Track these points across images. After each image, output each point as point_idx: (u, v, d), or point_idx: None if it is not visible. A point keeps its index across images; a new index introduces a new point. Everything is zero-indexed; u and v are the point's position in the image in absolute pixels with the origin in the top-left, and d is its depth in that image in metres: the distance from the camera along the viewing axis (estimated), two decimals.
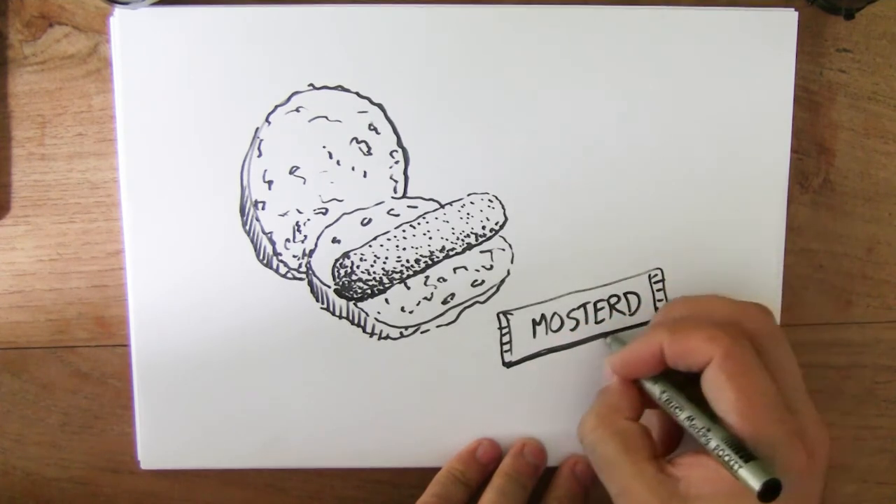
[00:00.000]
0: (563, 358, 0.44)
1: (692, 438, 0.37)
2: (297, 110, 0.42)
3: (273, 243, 0.42)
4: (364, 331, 0.43)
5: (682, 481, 0.36)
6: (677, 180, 0.43)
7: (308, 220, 0.42)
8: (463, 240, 0.43)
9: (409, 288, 0.43)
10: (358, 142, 0.42)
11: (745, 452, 0.34)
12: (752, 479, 0.33)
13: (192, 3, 0.41)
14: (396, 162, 0.42)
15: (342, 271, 0.43)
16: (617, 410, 0.39)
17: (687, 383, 0.38)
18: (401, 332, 0.43)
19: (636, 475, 0.36)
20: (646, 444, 0.38)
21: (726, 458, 0.34)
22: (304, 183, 0.42)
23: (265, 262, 0.43)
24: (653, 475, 0.36)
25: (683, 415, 0.37)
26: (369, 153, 0.42)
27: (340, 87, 0.42)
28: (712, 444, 0.35)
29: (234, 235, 0.42)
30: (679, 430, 0.40)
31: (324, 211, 0.43)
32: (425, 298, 0.43)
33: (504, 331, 0.43)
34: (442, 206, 0.43)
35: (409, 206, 0.43)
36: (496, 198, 0.43)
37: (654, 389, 0.39)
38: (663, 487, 0.36)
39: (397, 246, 0.43)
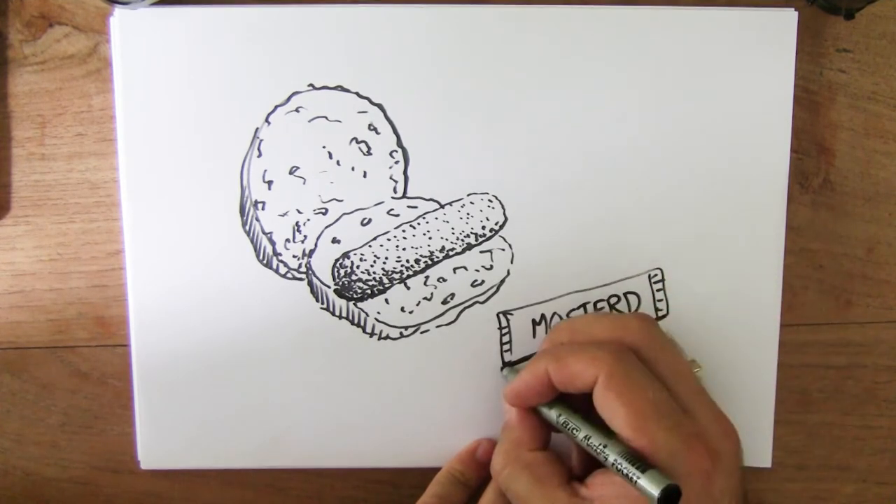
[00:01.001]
0: None
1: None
2: (297, 110, 0.42)
3: (273, 243, 0.42)
4: (364, 331, 0.43)
5: (595, 502, 0.36)
6: (677, 180, 0.43)
7: (308, 220, 0.42)
8: (463, 240, 0.43)
9: (408, 288, 0.43)
10: (358, 142, 0.42)
11: (642, 463, 0.34)
12: (651, 488, 0.33)
13: (192, 3, 0.41)
14: (396, 162, 0.42)
15: (342, 271, 0.43)
16: (521, 444, 0.39)
17: (586, 403, 0.38)
18: (401, 333, 0.43)
19: None
20: (556, 472, 0.38)
21: (624, 472, 0.34)
22: (304, 183, 0.42)
23: (265, 262, 0.43)
24: (566, 501, 0.36)
25: (580, 435, 0.37)
26: (369, 153, 0.42)
27: (340, 87, 0.42)
28: (610, 459, 0.35)
29: (234, 235, 0.42)
30: None
31: (324, 211, 0.43)
32: (425, 298, 0.43)
33: (504, 331, 0.43)
34: (442, 206, 0.43)
35: (408, 206, 0.43)
36: (496, 198, 0.43)
37: (551, 414, 0.39)
38: None
39: (397, 246, 0.43)
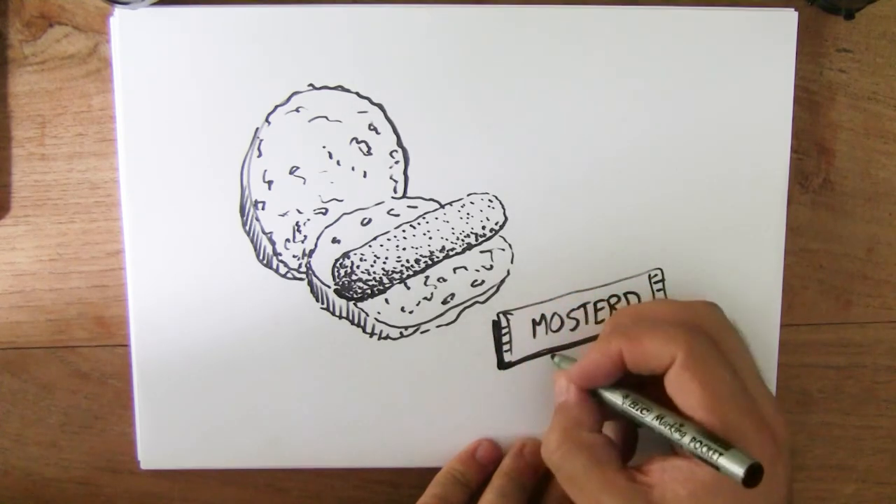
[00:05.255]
0: None
1: (651, 446, 0.36)
2: (297, 110, 0.42)
3: (273, 243, 0.42)
4: (364, 331, 0.43)
5: (655, 488, 0.35)
6: (677, 180, 0.43)
7: (308, 220, 0.43)
8: (463, 240, 0.43)
9: (409, 288, 0.43)
10: (358, 142, 0.42)
11: (724, 441, 0.34)
12: (735, 466, 0.33)
13: (192, 3, 0.41)
14: (396, 162, 0.42)
15: (342, 271, 0.43)
16: (580, 424, 0.38)
17: (641, 389, 0.38)
18: (401, 332, 0.43)
19: (607, 488, 0.36)
20: (614, 456, 0.37)
21: (705, 450, 0.34)
22: (304, 183, 0.42)
23: (265, 262, 0.43)
24: (625, 485, 0.35)
25: (651, 415, 0.37)
26: (369, 153, 0.42)
27: (340, 87, 0.42)
28: (687, 438, 0.35)
29: (234, 235, 0.42)
30: (633, 440, 0.40)
31: (324, 211, 0.43)
32: (425, 298, 0.43)
33: (504, 331, 0.43)
34: (442, 206, 0.43)
35: (409, 206, 0.43)
36: (496, 198, 0.43)
37: (616, 397, 0.39)
38: (637, 497, 0.35)
39: (397, 246, 0.43)
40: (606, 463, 0.37)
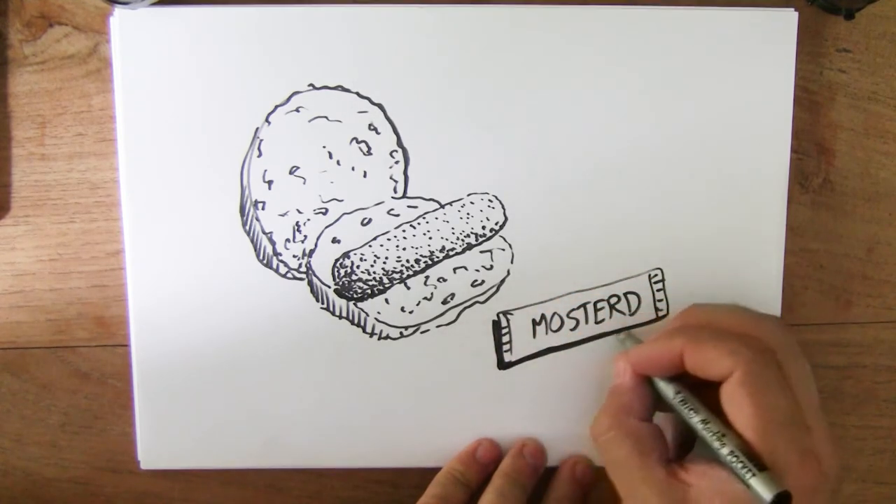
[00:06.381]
0: (564, 358, 0.44)
1: (704, 447, 0.36)
2: (297, 110, 0.42)
3: (273, 243, 0.42)
4: (364, 331, 0.43)
5: (692, 489, 0.35)
6: (677, 180, 0.43)
7: (308, 220, 0.43)
8: (463, 240, 0.43)
9: (409, 288, 0.43)
10: (358, 142, 0.42)
11: (759, 462, 0.34)
12: (764, 490, 0.33)
13: (192, 3, 0.41)
14: (396, 162, 0.42)
15: (342, 271, 0.43)
16: (630, 411, 0.39)
17: (700, 388, 0.38)
18: (401, 332, 0.43)
19: (646, 479, 0.36)
20: (658, 447, 0.37)
21: (740, 466, 0.34)
22: (304, 183, 0.42)
23: (265, 262, 0.43)
24: (663, 479, 0.36)
25: (697, 417, 0.37)
26: (369, 153, 0.42)
27: (340, 87, 0.42)
28: (726, 449, 0.35)
29: (234, 235, 0.42)
30: (691, 437, 0.40)
31: (324, 211, 0.43)
32: (425, 298, 0.43)
33: (504, 331, 0.43)
34: (442, 206, 0.43)
35: (409, 206, 0.43)
36: (496, 198, 0.43)
37: (669, 390, 0.39)
38: (672, 493, 0.35)
39: (397, 246, 0.43)
40: (649, 454, 0.37)
